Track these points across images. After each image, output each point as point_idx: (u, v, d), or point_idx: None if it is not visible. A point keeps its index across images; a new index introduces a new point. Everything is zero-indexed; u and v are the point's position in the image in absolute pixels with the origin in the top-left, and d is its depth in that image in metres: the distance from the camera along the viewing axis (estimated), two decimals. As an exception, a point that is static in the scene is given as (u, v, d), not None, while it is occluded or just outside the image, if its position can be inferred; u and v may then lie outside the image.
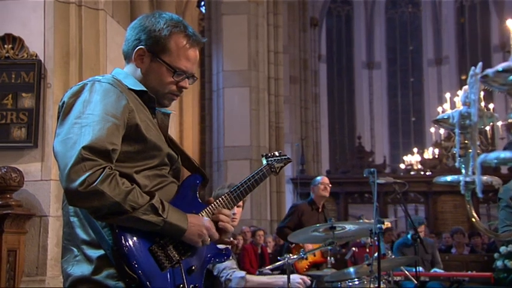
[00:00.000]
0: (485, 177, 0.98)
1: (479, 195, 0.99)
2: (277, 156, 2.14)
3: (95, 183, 1.52)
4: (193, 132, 17.43)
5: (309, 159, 18.25)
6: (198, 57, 1.88)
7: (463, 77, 19.54)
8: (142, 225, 1.61)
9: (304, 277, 3.55)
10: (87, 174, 1.51)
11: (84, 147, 1.54)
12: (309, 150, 18.30)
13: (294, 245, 5.23)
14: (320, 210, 5.43)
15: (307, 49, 18.64)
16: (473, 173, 1.03)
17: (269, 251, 8.60)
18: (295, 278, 3.49)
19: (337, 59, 25.46)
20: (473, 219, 1.08)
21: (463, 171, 1.03)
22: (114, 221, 1.58)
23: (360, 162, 17.79)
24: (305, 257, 3.74)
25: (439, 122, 1.09)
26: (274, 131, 11.99)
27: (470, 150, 1.03)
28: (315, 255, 5.03)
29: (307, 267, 4.97)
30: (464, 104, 1.03)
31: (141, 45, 1.80)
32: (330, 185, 5.50)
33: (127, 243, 1.60)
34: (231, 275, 3.23)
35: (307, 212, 5.41)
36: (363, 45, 25.50)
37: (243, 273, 3.27)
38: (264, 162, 2.09)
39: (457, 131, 1.03)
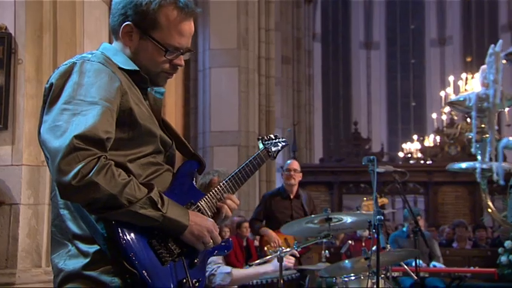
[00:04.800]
0: (504, 164, 0.98)
1: (501, 182, 0.98)
2: (273, 140, 2.17)
3: (90, 175, 1.50)
4: (176, 115, 17.31)
5: (302, 146, 18.26)
6: (192, 29, 1.84)
7: (468, 59, 19.66)
8: (139, 220, 1.60)
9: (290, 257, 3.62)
10: (80, 165, 1.49)
11: (76, 136, 1.51)
12: (301, 136, 18.30)
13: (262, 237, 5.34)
14: (293, 196, 5.41)
15: (301, 27, 18.56)
16: (490, 160, 1.02)
17: (256, 243, 8.62)
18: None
19: (332, 38, 25.42)
20: (490, 210, 1.08)
21: (479, 157, 1.02)
22: (109, 216, 1.57)
23: (355, 150, 17.86)
24: (298, 250, 3.76)
25: (453, 105, 1.08)
26: (265, 115, 11.96)
27: (487, 135, 1.03)
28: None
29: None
30: (482, 85, 1.02)
31: (128, 21, 1.76)
32: (299, 172, 5.45)
33: (125, 237, 1.59)
34: (215, 270, 3.25)
35: (277, 201, 5.44)
36: (360, 24, 25.46)
37: (228, 268, 3.30)
38: (261, 146, 2.12)
39: (473, 114, 1.02)
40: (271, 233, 5.11)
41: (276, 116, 13.39)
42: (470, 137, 1.05)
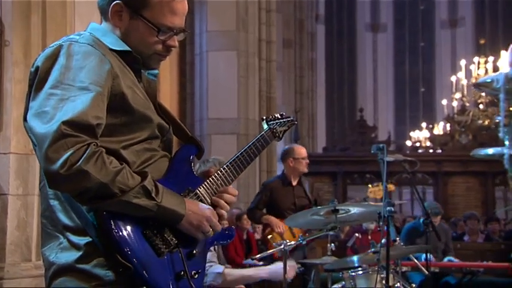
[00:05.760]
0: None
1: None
2: (279, 119, 2.13)
3: (79, 163, 1.49)
4: (171, 101, 17.25)
5: (304, 134, 18.26)
6: (186, 8, 1.83)
7: (481, 41, 19.57)
8: (133, 210, 1.60)
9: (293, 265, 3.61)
10: (68, 152, 1.49)
11: (64, 122, 1.51)
12: (303, 124, 18.29)
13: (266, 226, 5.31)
14: (296, 183, 5.39)
15: (304, 8, 18.49)
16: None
17: (257, 237, 8.64)
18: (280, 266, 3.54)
19: (337, 19, 25.31)
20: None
21: (507, 142, 1.01)
22: (101, 206, 1.57)
23: (361, 138, 17.83)
24: (304, 243, 3.76)
25: (480, 86, 1.06)
26: (265, 101, 11.93)
27: (516, 119, 1.01)
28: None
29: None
30: (511, 65, 1.01)
31: None
32: (307, 160, 5.39)
33: (117, 228, 1.59)
34: (207, 269, 3.25)
35: (278, 189, 5.40)
36: (366, 5, 25.35)
37: (220, 268, 3.31)
38: (265, 126, 2.09)
39: (501, 96, 1.00)
40: (274, 219, 5.08)
41: (277, 102, 13.35)
42: (498, 120, 1.03)
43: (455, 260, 6.53)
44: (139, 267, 1.58)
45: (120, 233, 1.58)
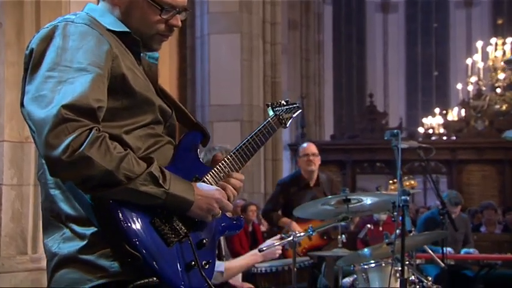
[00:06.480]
0: None
1: None
2: (284, 105, 2.16)
3: (81, 149, 1.49)
4: (171, 87, 17.21)
5: (311, 121, 18.25)
6: None
7: (499, 21, 19.43)
8: (140, 198, 1.60)
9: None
10: (70, 137, 1.48)
11: (64, 106, 1.50)
12: (310, 110, 18.28)
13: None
14: (313, 184, 5.30)
15: (310, -13, 18.41)
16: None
17: (263, 229, 8.65)
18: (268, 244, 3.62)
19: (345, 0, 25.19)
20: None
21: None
22: (106, 194, 1.56)
23: (370, 125, 17.79)
24: (313, 234, 3.76)
25: (510, 63, 1.03)
26: (270, 87, 11.92)
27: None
28: (326, 237, 5.02)
29: (302, 254, 4.89)
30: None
31: None
32: (317, 155, 5.30)
33: (125, 217, 1.58)
34: None
35: (295, 191, 5.30)
36: (376, -16, 25.20)
37: (222, 266, 3.34)
38: (271, 113, 2.11)
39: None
40: (293, 224, 4.98)
41: (282, 88, 13.33)
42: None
43: (473, 251, 6.50)
44: (149, 257, 1.58)
45: (128, 223, 1.58)
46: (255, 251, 3.65)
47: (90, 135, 1.50)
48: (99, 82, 1.58)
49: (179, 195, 1.65)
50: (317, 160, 5.28)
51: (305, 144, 5.53)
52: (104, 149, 1.52)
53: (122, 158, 1.55)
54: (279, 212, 5.41)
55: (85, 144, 1.49)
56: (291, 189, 5.35)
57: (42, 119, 1.51)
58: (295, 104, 2.20)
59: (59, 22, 1.68)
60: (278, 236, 3.85)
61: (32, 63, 1.63)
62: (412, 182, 5.70)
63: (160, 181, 1.61)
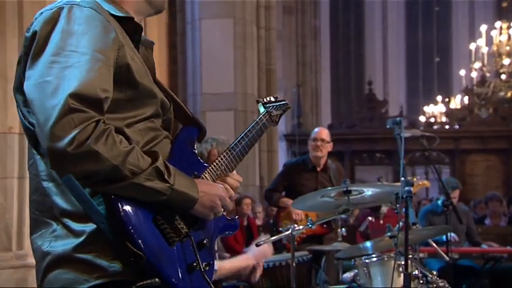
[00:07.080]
0: None
1: None
2: (274, 102, 2.18)
3: (88, 142, 1.47)
4: (160, 76, 17.13)
5: (307, 110, 18.24)
6: None
7: (504, 4, 19.40)
8: (144, 194, 1.58)
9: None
10: (76, 130, 1.47)
11: (71, 95, 1.49)
12: (306, 99, 18.27)
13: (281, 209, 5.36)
14: (320, 169, 5.40)
15: (306, -30, 18.36)
16: None
17: (258, 223, 8.65)
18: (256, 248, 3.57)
19: (342, -18, 25.13)
20: None
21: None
22: (109, 189, 1.55)
23: (369, 114, 17.80)
24: (313, 227, 3.75)
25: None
26: (265, 74, 11.91)
27: None
28: (326, 226, 5.04)
29: (299, 239, 4.98)
30: None
31: None
32: (329, 142, 5.40)
33: (127, 214, 1.57)
34: None
35: (301, 173, 5.43)
36: (375, -35, 25.14)
37: (215, 265, 3.32)
38: (262, 109, 2.13)
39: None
40: (290, 203, 5.05)
41: (278, 75, 13.31)
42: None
43: (495, 245, 6.60)
44: (152, 257, 1.56)
45: (131, 220, 1.56)
46: (249, 253, 3.61)
47: (97, 128, 1.49)
48: (106, 70, 1.58)
49: (183, 191, 1.64)
50: (325, 147, 5.37)
51: (317, 129, 5.64)
52: (111, 143, 1.51)
53: (128, 152, 1.54)
54: (283, 194, 5.49)
55: (92, 137, 1.48)
56: (297, 171, 5.46)
57: (48, 109, 1.49)
58: (284, 101, 2.22)
59: (64, 4, 1.65)
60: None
61: (35, 47, 1.60)
62: (425, 181, 5.72)
63: (166, 176, 1.60)
